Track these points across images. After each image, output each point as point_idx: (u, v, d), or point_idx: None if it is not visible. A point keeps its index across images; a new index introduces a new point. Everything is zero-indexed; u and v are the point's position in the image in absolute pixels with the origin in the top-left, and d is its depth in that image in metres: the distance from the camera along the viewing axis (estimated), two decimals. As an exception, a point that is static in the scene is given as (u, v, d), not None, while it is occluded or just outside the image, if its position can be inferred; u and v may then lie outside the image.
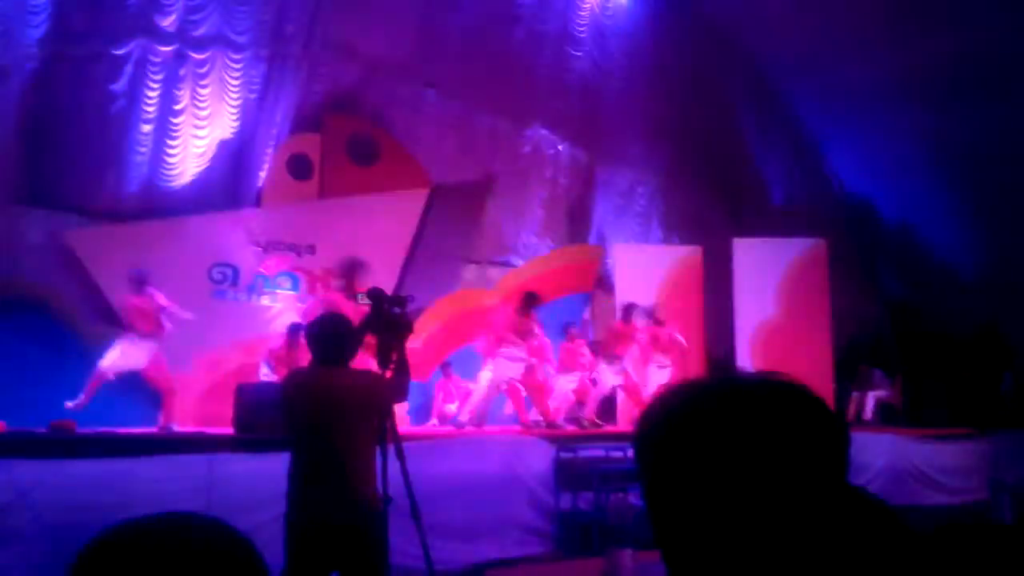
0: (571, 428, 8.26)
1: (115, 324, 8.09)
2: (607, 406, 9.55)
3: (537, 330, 8.18)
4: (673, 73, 12.85)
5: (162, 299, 7.22)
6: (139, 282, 7.18)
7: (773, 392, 0.76)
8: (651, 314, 8.95)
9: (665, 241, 12.02)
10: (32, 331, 7.70)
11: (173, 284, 7.91)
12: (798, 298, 10.40)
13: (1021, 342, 12.21)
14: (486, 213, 11.36)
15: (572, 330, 9.02)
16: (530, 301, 8.10)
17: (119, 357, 7.05)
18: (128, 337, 7.11)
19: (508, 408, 8.64)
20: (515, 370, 7.90)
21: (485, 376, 8.06)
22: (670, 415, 0.77)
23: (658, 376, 8.67)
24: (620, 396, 9.66)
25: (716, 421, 0.73)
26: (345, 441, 3.06)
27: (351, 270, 7.23)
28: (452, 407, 9.15)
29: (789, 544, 0.69)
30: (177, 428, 7.04)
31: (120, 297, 7.40)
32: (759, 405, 0.74)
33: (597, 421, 8.62)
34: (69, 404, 6.78)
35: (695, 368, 10.09)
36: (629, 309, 8.87)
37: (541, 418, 8.11)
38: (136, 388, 7.26)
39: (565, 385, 8.75)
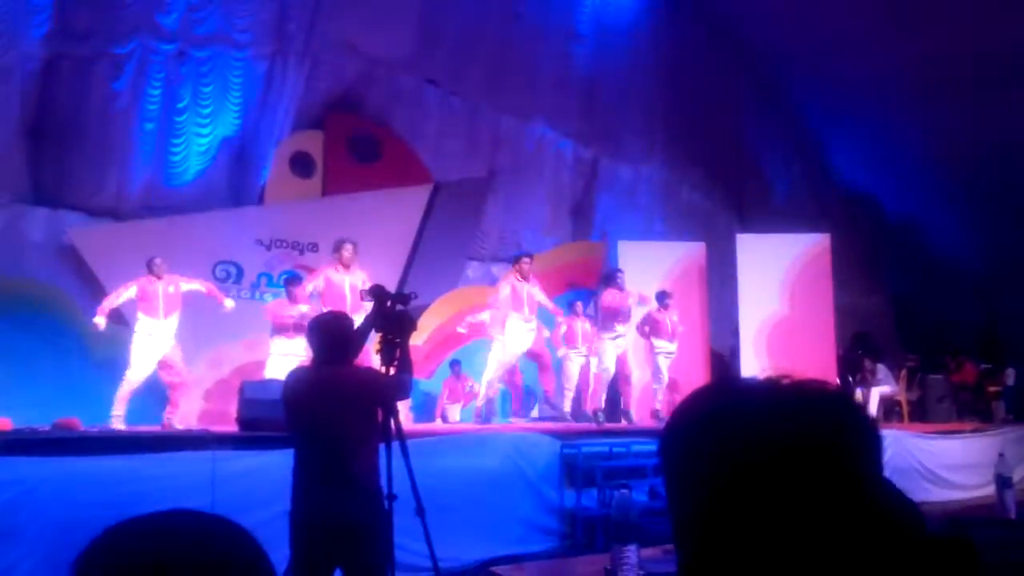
0: (574, 423, 8.21)
1: (119, 322, 8.09)
2: (611, 401, 9.51)
3: (539, 289, 8.02)
4: (676, 69, 12.82)
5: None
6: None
7: (814, 400, 0.71)
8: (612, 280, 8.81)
9: (669, 237, 11.99)
10: (36, 329, 7.69)
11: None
12: (802, 293, 10.38)
13: (1025, 337, 12.18)
14: (489, 210, 11.34)
15: (577, 305, 8.93)
16: (523, 260, 8.02)
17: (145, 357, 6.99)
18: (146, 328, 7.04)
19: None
20: (527, 340, 7.85)
21: (496, 354, 8.00)
22: (707, 421, 0.72)
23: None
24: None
25: (753, 429, 0.69)
26: (348, 439, 3.05)
27: None
28: (456, 406, 9.13)
29: (813, 555, 0.66)
30: (178, 426, 7.01)
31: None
32: (800, 414, 0.70)
33: (599, 418, 8.51)
34: (167, 420, 6.86)
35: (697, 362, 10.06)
36: (609, 276, 8.87)
37: (547, 405, 8.12)
38: (138, 387, 7.25)
39: (573, 361, 8.65)
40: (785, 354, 9.97)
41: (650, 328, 8.88)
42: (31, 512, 4.52)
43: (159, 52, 8.84)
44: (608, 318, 8.52)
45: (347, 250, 7.36)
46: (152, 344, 6.99)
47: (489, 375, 8.12)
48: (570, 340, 8.63)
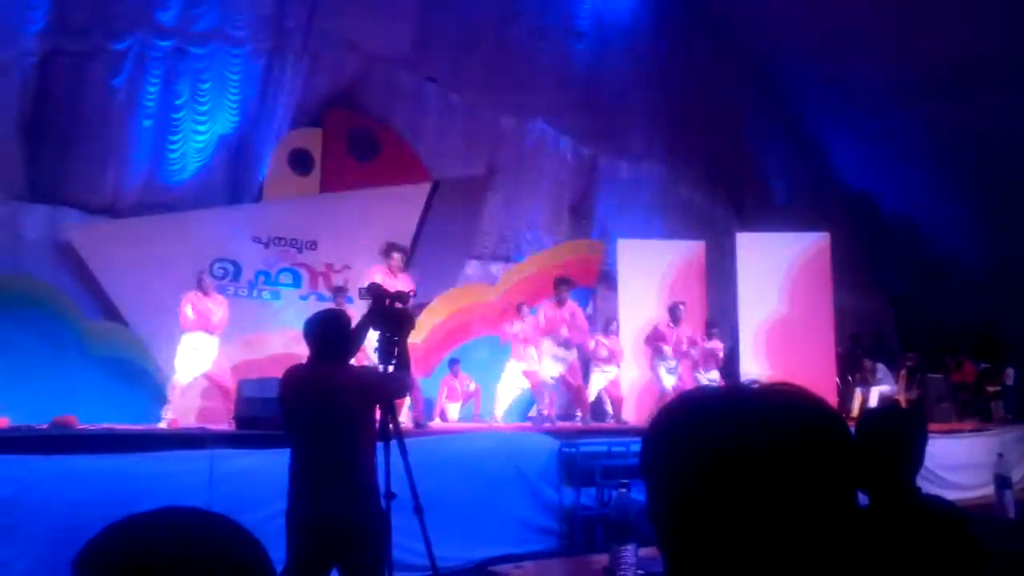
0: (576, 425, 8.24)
1: (116, 320, 8.08)
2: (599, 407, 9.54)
3: (578, 316, 8.13)
4: (676, 67, 12.81)
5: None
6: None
7: (790, 407, 0.74)
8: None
9: (668, 235, 11.97)
10: (33, 327, 7.67)
11: (174, 280, 7.89)
12: (801, 293, 10.36)
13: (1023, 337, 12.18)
14: (488, 208, 11.32)
15: (612, 325, 9.06)
16: (561, 286, 8.11)
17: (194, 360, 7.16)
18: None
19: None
20: (556, 368, 7.96)
21: (522, 374, 8.11)
22: (685, 428, 0.75)
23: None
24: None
25: (731, 436, 0.71)
26: (344, 438, 3.04)
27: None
28: (455, 405, 9.11)
29: (791, 560, 0.69)
30: (164, 424, 6.94)
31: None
32: (776, 421, 0.72)
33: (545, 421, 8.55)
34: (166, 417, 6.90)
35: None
36: (674, 309, 8.93)
37: (580, 415, 8.27)
38: (135, 385, 7.24)
39: (600, 378, 8.84)
40: (784, 353, 9.95)
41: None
42: (28, 510, 4.51)
43: (157, 48, 8.81)
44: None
45: (395, 259, 7.28)
46: (197, 356, 7.20)
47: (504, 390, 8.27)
48: (602, 358, 8.81)
